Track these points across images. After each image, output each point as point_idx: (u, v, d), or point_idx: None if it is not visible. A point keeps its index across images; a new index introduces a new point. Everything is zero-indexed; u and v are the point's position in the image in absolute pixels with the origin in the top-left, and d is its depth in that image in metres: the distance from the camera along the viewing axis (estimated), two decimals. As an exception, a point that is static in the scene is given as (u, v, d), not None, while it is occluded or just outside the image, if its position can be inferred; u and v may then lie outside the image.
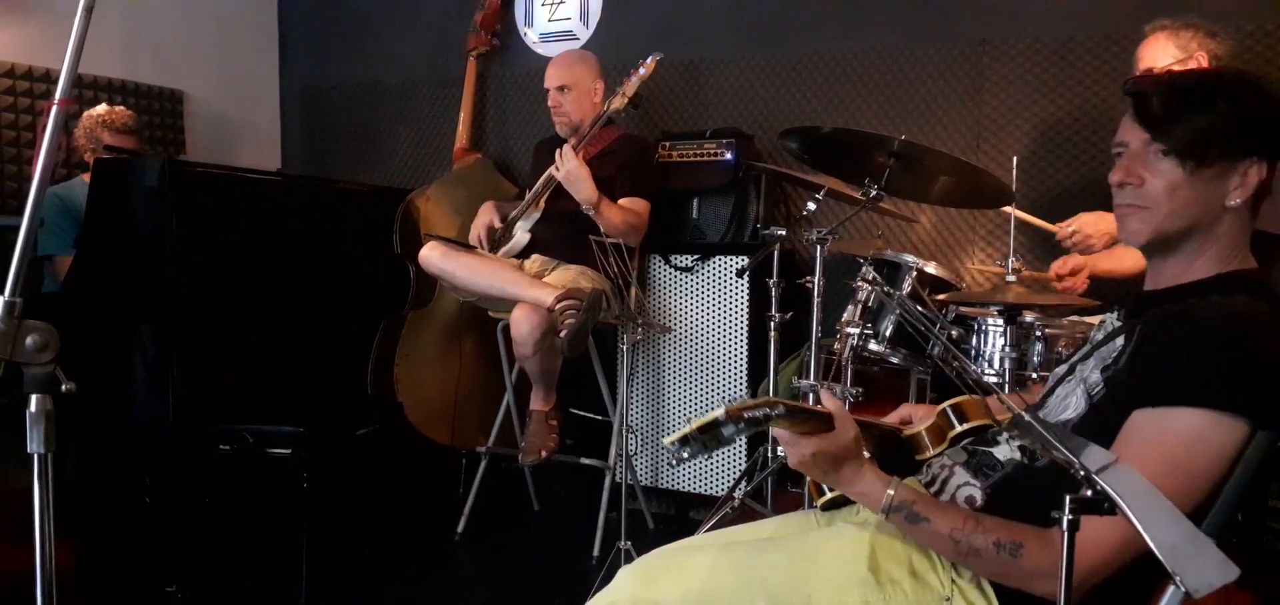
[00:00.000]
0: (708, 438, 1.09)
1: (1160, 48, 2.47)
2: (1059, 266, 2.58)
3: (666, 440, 1.13)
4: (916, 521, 1.19)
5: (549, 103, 3.22)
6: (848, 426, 1.22)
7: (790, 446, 1.23)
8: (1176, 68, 2.39)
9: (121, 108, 3.38)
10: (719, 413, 1.10)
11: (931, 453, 1.29)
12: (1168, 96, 1.23)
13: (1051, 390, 1.38)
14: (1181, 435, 1.09)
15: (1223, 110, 1.19)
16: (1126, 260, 2.48)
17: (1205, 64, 2.43)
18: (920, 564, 1.26)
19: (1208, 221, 1.22)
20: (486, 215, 3.29)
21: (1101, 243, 2.62)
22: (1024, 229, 2.81)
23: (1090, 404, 1.24)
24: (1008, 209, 2.49)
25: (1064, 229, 2.68)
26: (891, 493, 1.21)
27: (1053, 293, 2.48)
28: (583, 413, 3.17)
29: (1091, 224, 2.64)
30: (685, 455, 1.10)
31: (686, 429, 1.10)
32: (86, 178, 3.26)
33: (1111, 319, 1.37)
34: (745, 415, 1.10)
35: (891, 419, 1.47)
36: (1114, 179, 1.27)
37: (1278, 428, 1.11)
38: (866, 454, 1.24)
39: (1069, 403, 1.29)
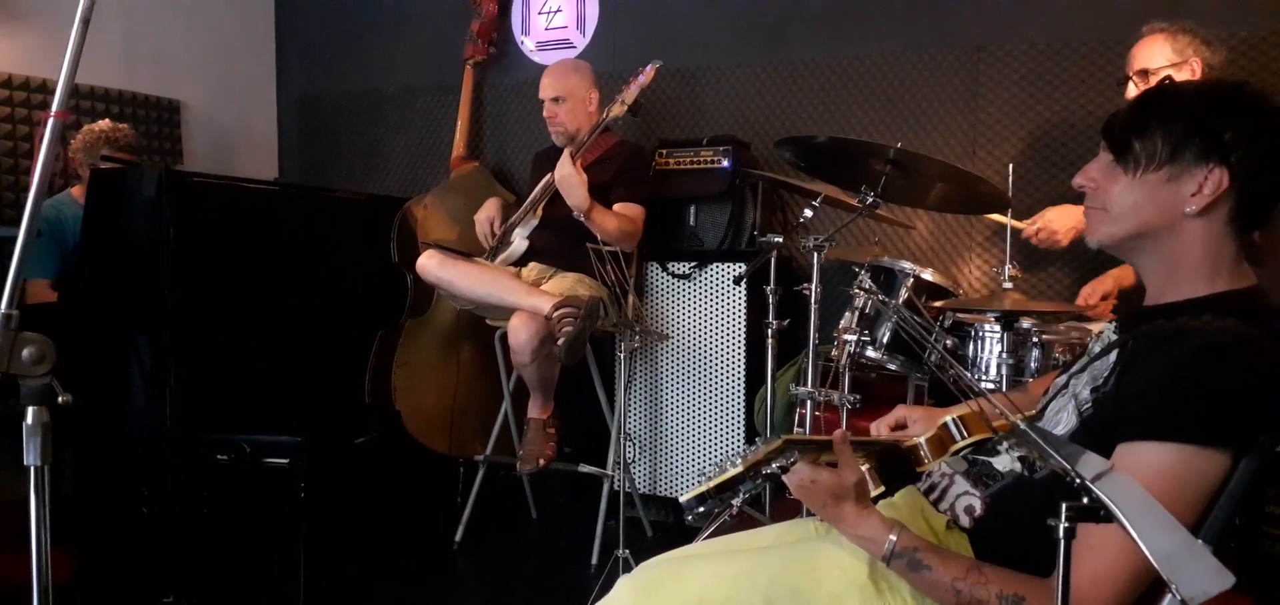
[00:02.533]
0: (727, 494, 1.09)
1: (1155, 48, 2.48)
2: (1088, 294, 2.58)
3: (684, 498, 1.13)
4: (918, 569, 1.18)
5: (544, 114, 3.22)
6: (851, 470, 1.21)
7: (795, 479, 1.21)
8: (1169, 72, 2.39)
9: (125, 126, 3.36)
10: (737, 469, 1.09)
11: (931, 464, 1.29)
12: (1131, 108, 1.25)
13: (1049, 401, 1.38)
14: (1161, 470, 1.08)
15: (1175, 115, 1.19)
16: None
17: (1198, 71, 2.43)
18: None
19: (1164, 227, 1.21)
20: (491, 209, 3.28)
21: (1067, 238, 2.65)
22: (1020, 234, 2.81)
23: (1080, 420, 1.24)
24: (997, 217, 2.49)
25: (1030, 227, 2.71)
26: (893, 539, 1.19)
27: (1048, 299, 2.48)
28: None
29: (1057, 219, 2.67)
30: (701, 510, 1.10)
31: (704, 487, 1.10)
32: (77, 192, 3.24)
33: (1109, 329, 1.37)
34: (763, 470, 1.09)
35: (887, 420, 1.47)
36: (1074, 183, 1.31)
37: (1271, 439, 1.09)
38: (868, 499, 1.23)
39: (1061, 418, 1.29)
